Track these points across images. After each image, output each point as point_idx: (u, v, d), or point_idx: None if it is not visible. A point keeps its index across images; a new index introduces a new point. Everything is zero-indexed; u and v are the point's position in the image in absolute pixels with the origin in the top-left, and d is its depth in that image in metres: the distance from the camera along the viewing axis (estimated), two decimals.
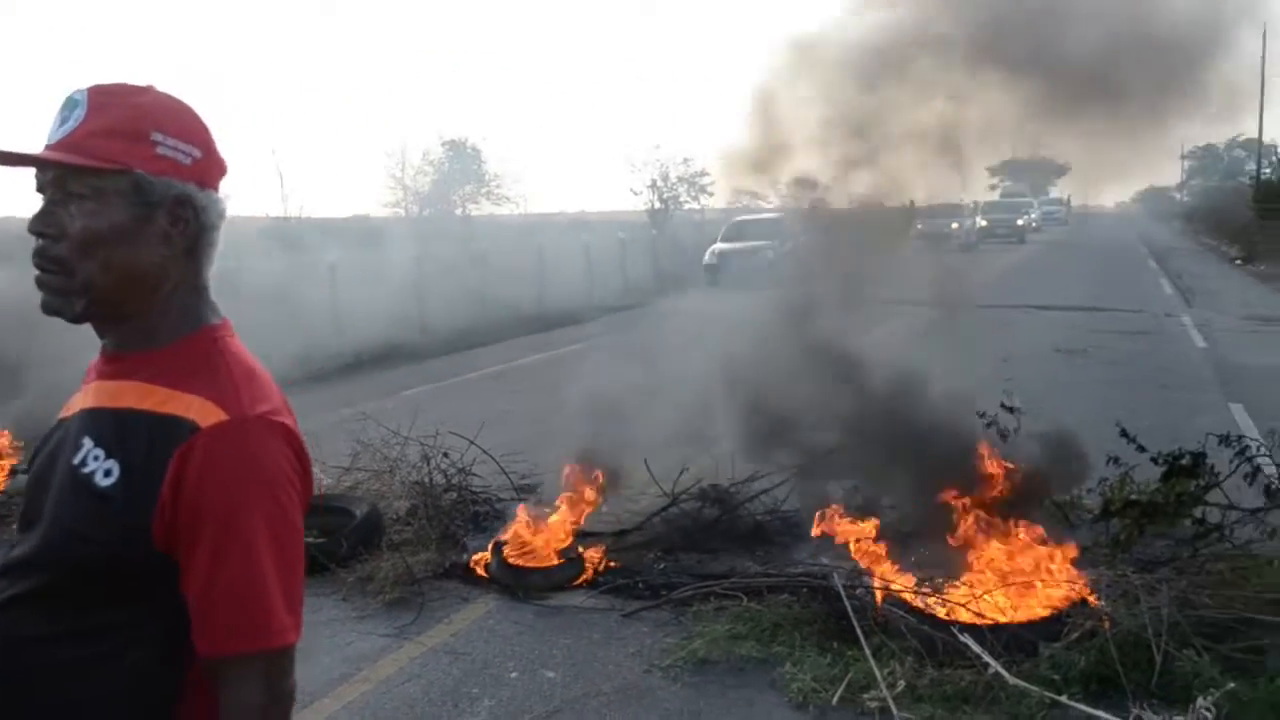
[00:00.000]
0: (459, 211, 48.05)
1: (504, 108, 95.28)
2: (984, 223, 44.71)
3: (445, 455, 7.78)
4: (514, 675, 5.33)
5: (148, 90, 1.75)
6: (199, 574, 1.62)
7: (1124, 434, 6.54)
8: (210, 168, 1.78)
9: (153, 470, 1.63)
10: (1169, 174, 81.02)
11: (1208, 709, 4.47)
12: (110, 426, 1.70)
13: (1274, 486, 6.29)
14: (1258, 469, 6.32)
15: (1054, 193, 76.47)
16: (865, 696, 4.82)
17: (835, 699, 4.83)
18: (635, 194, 52.88)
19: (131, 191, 1.68)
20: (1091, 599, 5.33)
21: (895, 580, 5.66)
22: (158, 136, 1.70)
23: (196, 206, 1.75)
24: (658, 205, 50.52)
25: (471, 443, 8.03)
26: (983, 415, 6.89)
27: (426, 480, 7.58)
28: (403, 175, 46.87)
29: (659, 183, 53.62)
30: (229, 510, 1.62)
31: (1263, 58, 41.94)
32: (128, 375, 1.74)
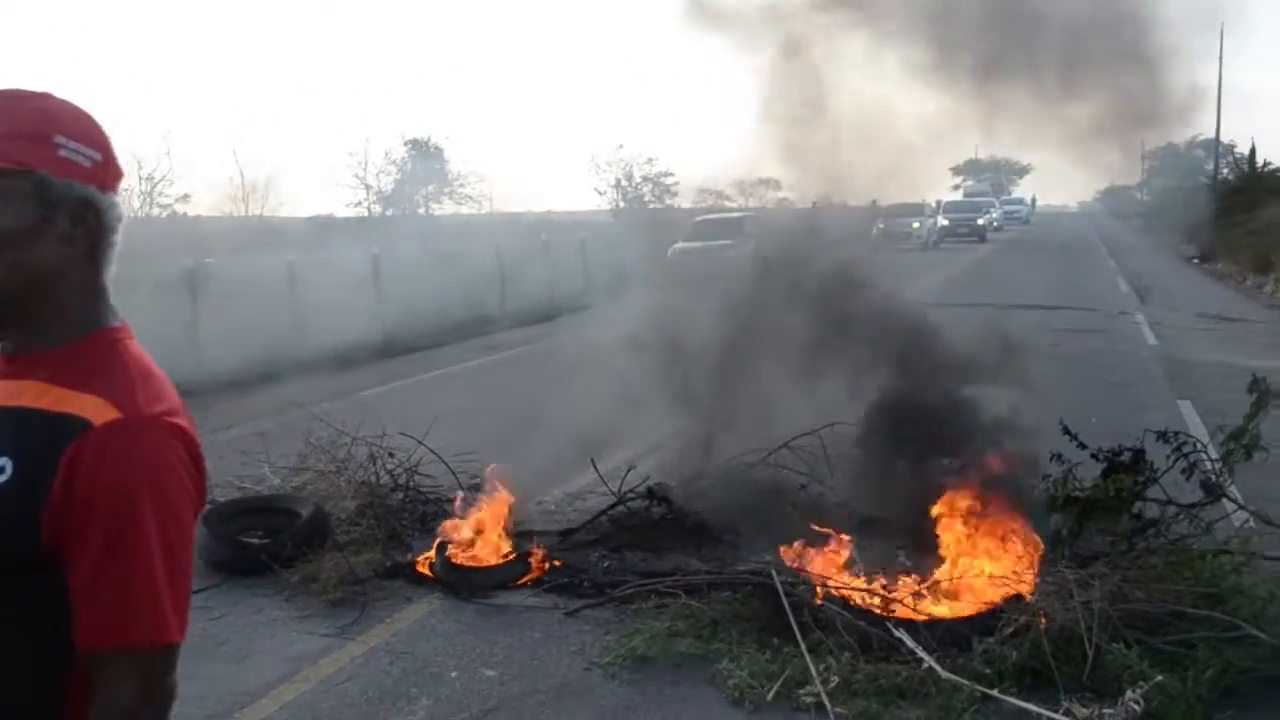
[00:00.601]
0: (422, 211, 47.91)
1: (468, 107, 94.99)
2: (945, 222, 45.07)
3: (391, 455, 7.78)
4: (453, 674, 5.34)
5: (47, 95, 1.75)
6: (85, 569, 1.62)
7: (1066, 431, 6.60)
8: (109, 172, 1.79)
9: (45, 467, 1.63)
10: (1130, 173, 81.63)
11: (1136, 701, 4.54)
12: (5, 424, 1.70)
13: (1210, 481, 6.37)
14: (1194, 464, 6.40)
15: (1016, 192, 77.13)
16: (801, 692, 4.86)
17: (770, 695, 4.87)
18: (600, 194, 53.01)
19: (34, 192, 1.67)
20: (1027, 594, 5.38)
21: (835, 577, 5.69)
22: (60, 139, 1.70)
23: (98, 209, 1.75)
24: (622, 205, 50.65)
25: (420, 443, 8.02)
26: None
27: (374, 480, 7.57)
28: (365, 174, 46.70)
29: (623, 182, 53.78)
30: (118, 507, 1.63)
31: (1219, 58, 42.38)
32: (25, 375, 1.74)
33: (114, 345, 1.80)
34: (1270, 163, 40.57)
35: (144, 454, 1.67)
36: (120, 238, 1.83)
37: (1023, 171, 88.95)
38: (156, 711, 1.70)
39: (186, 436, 1.77)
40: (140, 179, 35.19)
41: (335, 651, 5.65)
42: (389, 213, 46.25)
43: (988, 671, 4.83)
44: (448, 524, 6.76)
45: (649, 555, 6.74)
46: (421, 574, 6.53)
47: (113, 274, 1.84)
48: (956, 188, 63.08)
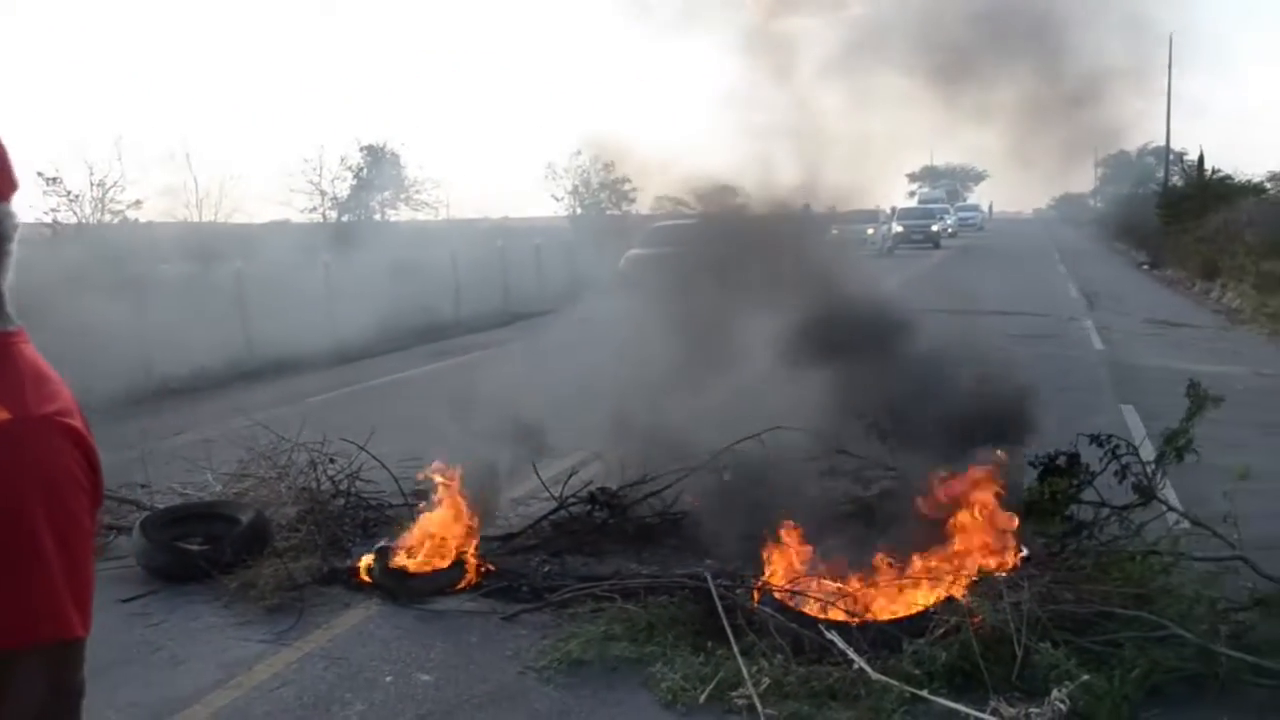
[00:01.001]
0: (378, 217, 47.62)
1: (424, 113, 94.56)
2: (899, 228, 45.35)
3: (332, 461, 7.75)
4: (388, 679, 5.33)
5: None
6: None
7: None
8: (4, 182, 1.79)
9: None
10: (1084, 180, 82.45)
11: (1061, 701, 4.60)
12: None
13: (1142, 484, 6.47)
14: (1126, 467, 6.49)
15: (971, 198, 77.74)
16: (733, 694, 4.89)
17: (703, 697, 4.90)
18: (557, 200, 52.92)
19: None
20: (958, 595, 5.44)
21: (770, 580, 5.72)
22: None
23: None
24: (579, 211, 50.60)
25: (361, 448, 8.00)
26: (863, 416, 7.00)
27: (315, 486, 7.55)
28: (320, 180, 46.31)
29: (580, 189, 53.66)
30: (9, 507, 1.63)
31: (1169, 66, 42.92)
32: None
33: (7, 349, 1.79)
34: (1219, 170, 41.05)
35: (34, 453, 1.68)
36: (16, 246, 1.82)
37: (978, 178, 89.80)
38: (66, 708, 1.70)
39: (80, 437, 1.77)
40: (91, 185, 34.74)
41: (270, 657, 5.63)
42: (345, 219, 45.93)
43: (917, 672, 4.88)
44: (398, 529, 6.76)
45: (589, 560, 6.77)
46: (361, 580, 6.51)
47: (10, 281, 1.84)
48: (912, 194, 63.55)
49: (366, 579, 6.49)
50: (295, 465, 7.93)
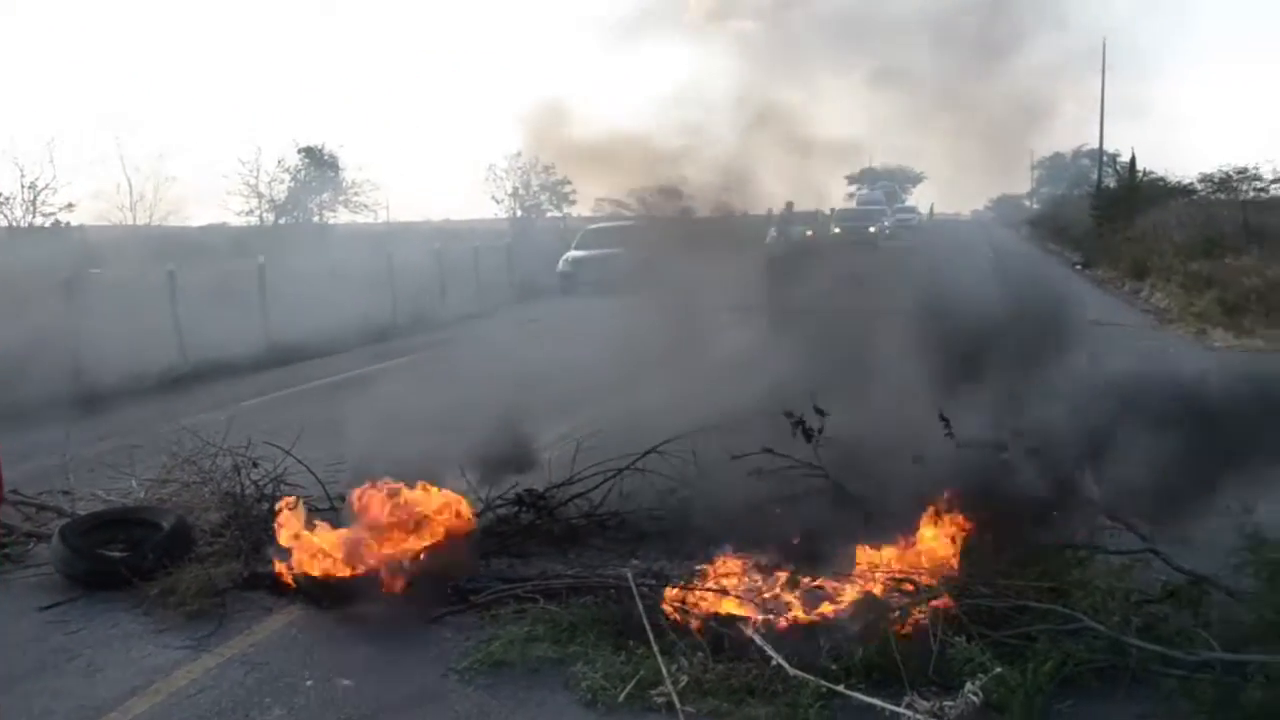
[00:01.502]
0: (316, 219, 47.34)
1: (363, 115, 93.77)
2: (837, 230, 45.57)
3: (256, 465, 7.68)
4: (309, 684, 5.30)
5: None
6: None
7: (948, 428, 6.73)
8: None
9: None
10: (1021, 182, 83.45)
11: (975, 693, 4.66)
12: None
13: (1063, 478, 6.54)
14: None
15: (909, 200, 78.29)
16: (653, 693, 4.91)
17: (623, 696, 4.91)
18: (497, 202, 52.86)
19: None
20: (878, 592, 5.49)
21: (688, 579, 5.75)
22: None
23: None
24: (519, 213, 50.58)
25: (287, 453, 7.93)
26: (790, 415, 7.02)
27: (239, 491, 7.47)
28: (257, 183, 45.91)
29: (520, 191, 53.67)
30: None
31: (1102, 69, 43.54)
32: None
33: None
34: (1151, 172, 41.67)
35: None
36: None
37: (917, 180, 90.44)
38: None
39: None
40: (22, 187, 34.22)
41: (190, 664, 5.59)
42: (282, 221, 45.61)
43: (834, 668, 4.92)
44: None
45: (515, 561, 6.75)
46: (284, 585, 6.46)
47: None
48: (851, 195, 63.92)
49: (290, 584, 6.44)
50: (220, 470, 7.83)
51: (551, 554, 6.86)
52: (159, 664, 5.59)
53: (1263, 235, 26.53)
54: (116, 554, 6.86)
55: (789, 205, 27.32)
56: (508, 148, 52.93)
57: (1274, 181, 31.70)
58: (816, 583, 5.71)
